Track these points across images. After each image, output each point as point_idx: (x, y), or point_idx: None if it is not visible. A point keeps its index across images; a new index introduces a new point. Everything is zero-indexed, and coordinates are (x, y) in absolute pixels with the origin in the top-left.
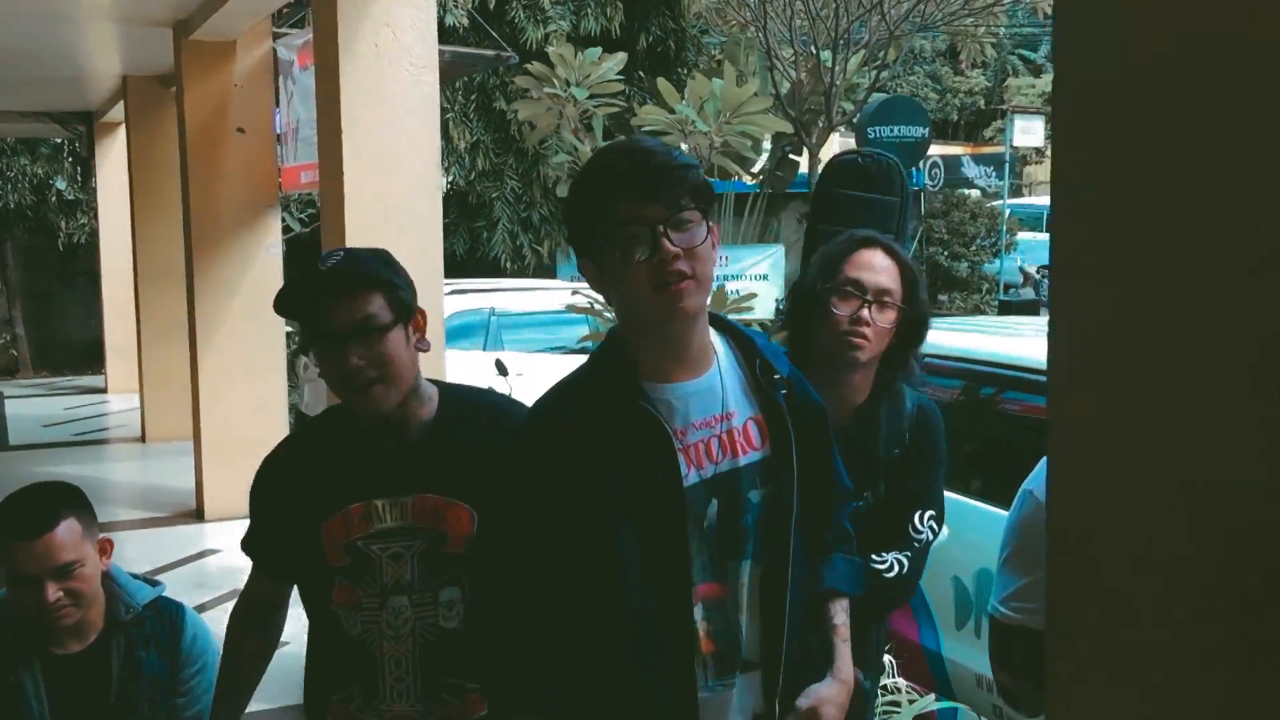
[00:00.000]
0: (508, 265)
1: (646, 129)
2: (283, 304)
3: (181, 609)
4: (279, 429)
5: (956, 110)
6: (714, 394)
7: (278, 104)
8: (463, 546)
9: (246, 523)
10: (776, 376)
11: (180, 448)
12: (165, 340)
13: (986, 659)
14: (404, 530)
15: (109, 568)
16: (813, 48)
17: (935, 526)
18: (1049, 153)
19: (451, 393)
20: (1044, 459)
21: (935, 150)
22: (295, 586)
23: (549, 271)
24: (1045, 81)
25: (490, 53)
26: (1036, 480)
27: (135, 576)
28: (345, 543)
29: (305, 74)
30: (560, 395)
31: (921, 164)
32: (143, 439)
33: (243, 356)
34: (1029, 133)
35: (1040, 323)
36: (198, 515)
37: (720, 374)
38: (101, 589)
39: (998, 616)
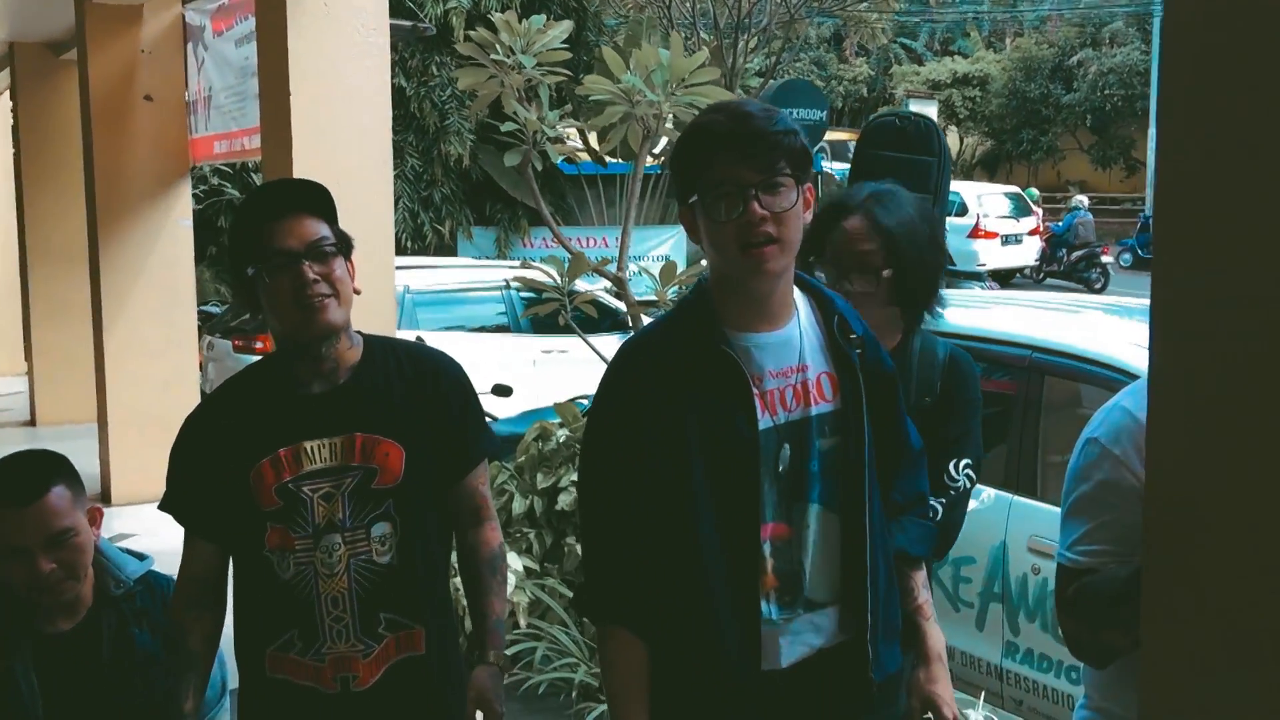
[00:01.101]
0: (409, 244)
1: (593, 99)
2: (242, 225)
3: (173, 583)
4: (190, 407)
5: (840, 97)
6: (791, 346)
7: (186, 71)
8: (393, 481)
9: (157, 506)
10: (852, 335)
11: (74, 431)
12: (57, 320)
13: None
14: (334, 470)
15: (99, 539)
16: (714, 30)
17: (972, 475)
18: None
19: (376, 340)
20: (1104, 407)
21: (825, 135)
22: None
23: (450, 251)
24: (929, 69)
25: (407, 23)
26: (1098, 429)
27: (123, 550)
28: (276, 486)
29: (220, 40)
30: (648, 336)
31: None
32: (32, 423)
33: (151, 333)
34: None
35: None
36: (103, 499)
37: (799, 328)
38: (91, 562)
39: (1065, 563)
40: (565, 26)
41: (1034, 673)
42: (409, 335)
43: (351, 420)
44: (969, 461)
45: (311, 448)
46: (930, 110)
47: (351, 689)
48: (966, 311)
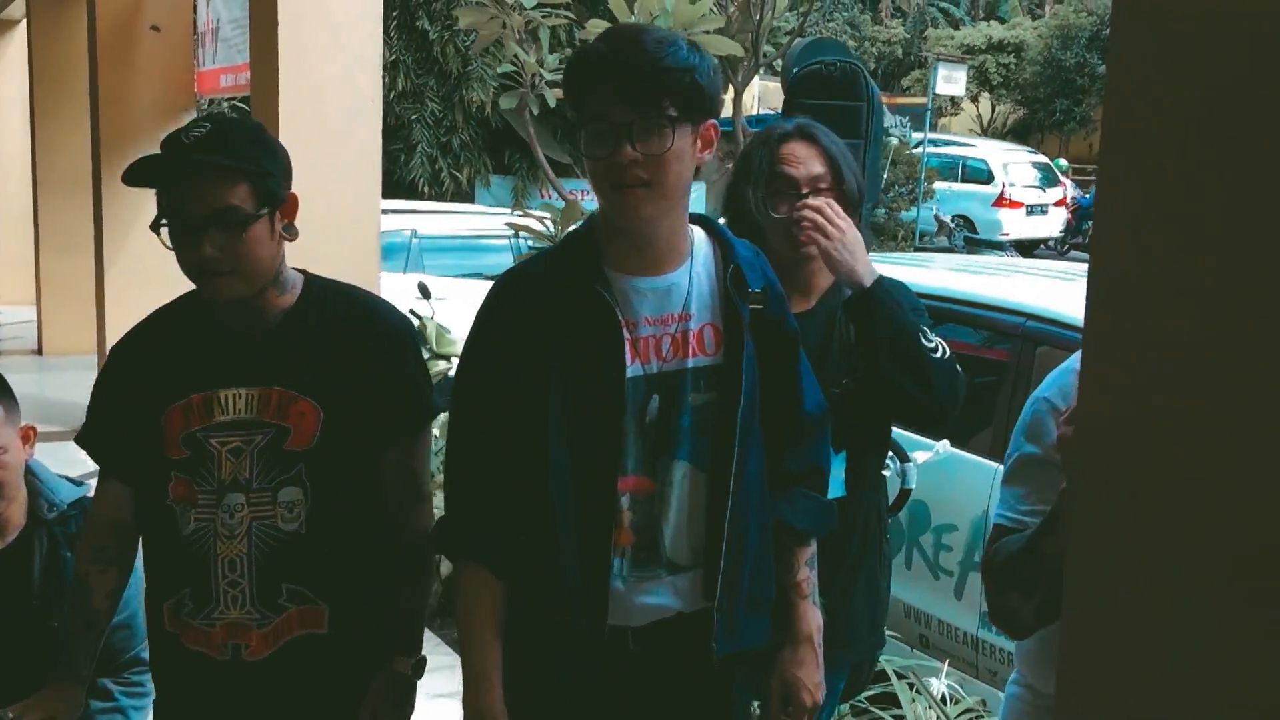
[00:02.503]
0: (426, 189)
1: None
2: (134, 176)
3: None
4: None
5: (874, 59)
6: (676, 293)
7: (195, 2)
8: (307, 444)
9: (74, 439)
10: (748, 289)
11: (80, 361)
12: (66, 251)
13: (915, 590)
14: (246, 423)
15: (31, 459)
16: None
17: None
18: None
19: (318, 285)
20: (1056, 369)
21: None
22: None
23: (467, 198)
24: (964, 34)
25: None
26: (1048, 389)
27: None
28: (184, 434)
29: None
30: (527, 268)
31: None
32: (39, 352)
33: (153, 267)
34: (952, 81)
35: (964, 259)
36: None
37: (690, 276)
38: (23, 482)
39: (997, 521)
40: None
41: (1009, 644)
42: (414, 279)
43: (271, 372)
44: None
45: (225, 397)
46: (959, 75)
47: (242, 658)
48: (958, 276)
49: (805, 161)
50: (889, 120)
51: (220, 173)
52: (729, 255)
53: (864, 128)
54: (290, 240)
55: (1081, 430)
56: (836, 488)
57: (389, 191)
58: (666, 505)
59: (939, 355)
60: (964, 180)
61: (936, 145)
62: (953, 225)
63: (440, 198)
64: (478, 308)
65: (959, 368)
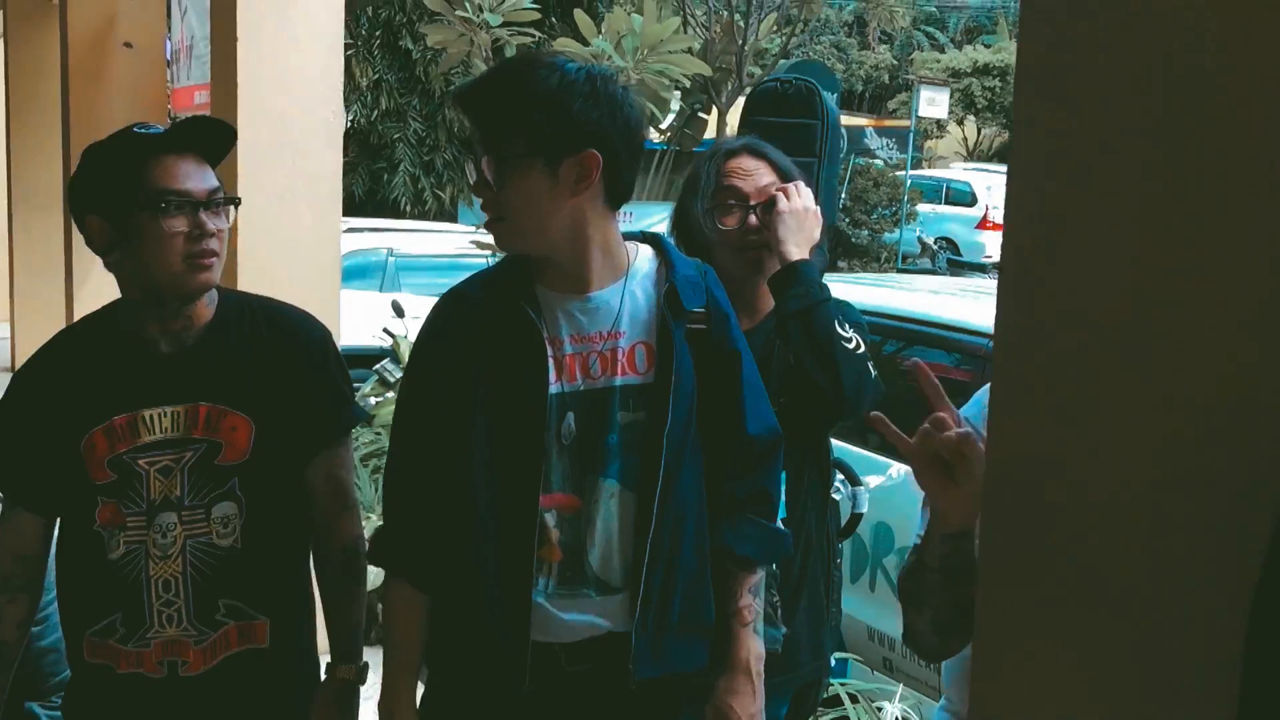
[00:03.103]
0: (408, 208)
1: None
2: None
3: None
4: None
5: (860, 82)
6: (606, 312)
7: (169, 19)
8: (240, 458)
9: None
10: (684, 309)
11: None
12: (40, 269)
13: (879, 613)
14: (174, 442)
15: None
16: (726, 7)
17: (860, 336)
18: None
19: (233, 298)
20: (980, 390)
21: (841, 119)
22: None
23: (450, 217)
24: (949, 57)
25: None
26: (970, 409)
27: None
28: (110, 458)
29: None
30: (467, 285)
31: None
32: (12, 369)
33: None
34: (934, 104)
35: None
36: None
37: (624, 294)
38: None
39: (917, 543)
40: None
41: None
42: (389, 298)
43: (197, 388)
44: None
45: (150, 417)
46: (942, 97)
47: (179, 674)
48: (919, 297)
49: (753, 174)
50: (874, 143)
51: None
52: (669, 274)
53: (818, 146)
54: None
55: (994, 440)
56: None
57: (372, 210)
58: (592, 524)
59: (851, 346)
60: (947, 202)
61: (916, 169)
62: (936, 247)
63: (423, 217)
64: (421, 326)
65: (873, 370)
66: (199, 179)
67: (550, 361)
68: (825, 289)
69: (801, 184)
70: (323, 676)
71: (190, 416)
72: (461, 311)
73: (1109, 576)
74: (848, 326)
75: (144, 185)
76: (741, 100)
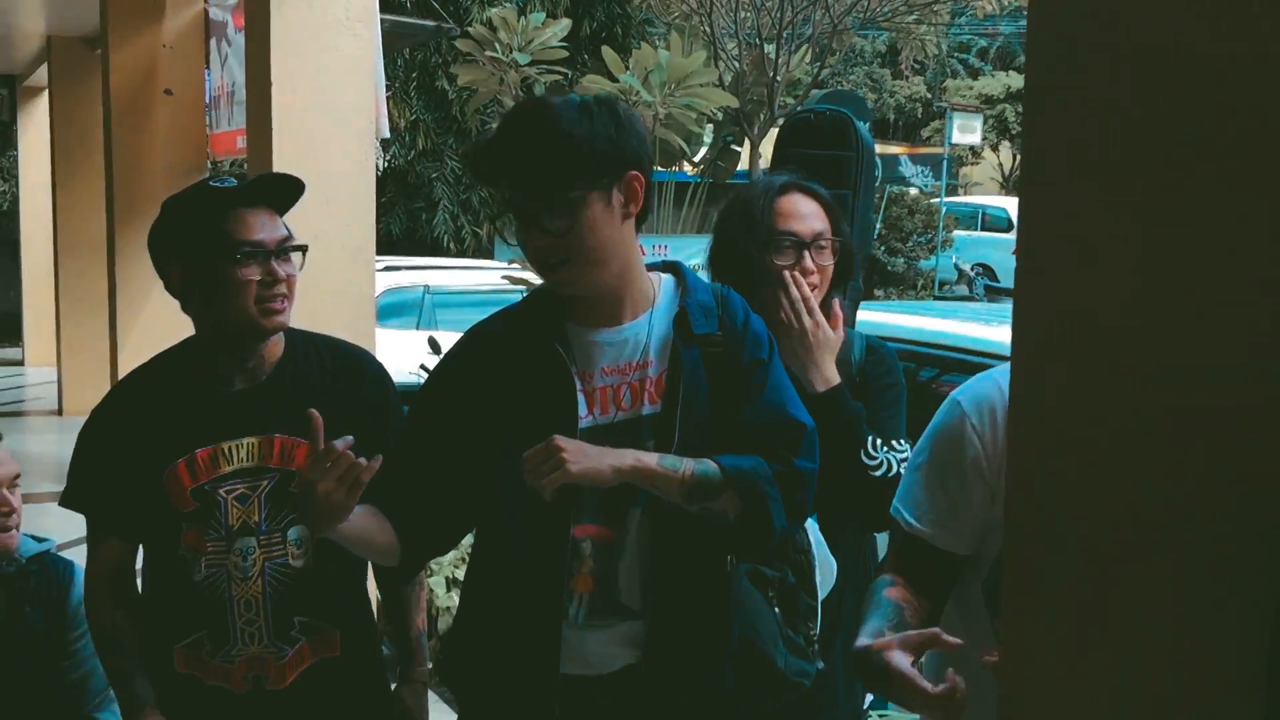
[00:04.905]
0: (449, 246)
1: None
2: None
3: (71, 567)
4: None
5: (893, 111)
6: (634, 343)
7: (208, 66)
8: None
9: (58, 502)
10: (698, 333)
11: None
12: (86, 312)
13: None
14: (251, 471)
15: None
16: (756, 39)
17: (896, 455)
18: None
19: (298, 334)
20: (977, 375)
21: (875, 147)
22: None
23: (487, 254)
24: (983, 83)
25: (431, 23)
26: (964, 392)
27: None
28: (194, 488)
29: (241, 34)
30: (491, 323)
31: None
32: (59, 412)
33: (168, 328)
34: (967, 130)
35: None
36: None
37: (650, 325)
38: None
39: (903, 523)
40: (563, 25)
41: None
42: (425, 335)
43: (271, 421)
44: (894, 444)
45: (229, 449)
46: (975, 123)
47: (265, 688)
48: (956, 321)
49: (807, 217)
50: (909, 170)
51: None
52: (684, 299)
53: (853, 178)
54: None
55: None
56: None
57: (411, 248)
58: (624, 553)
59: (880, 472)
60: (984, 228)
61: (951, 195)
62: (973, 274)
63: (462, 254)
64: (437, 364)
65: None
66: (270, 229)
67: (581, 395)
68: (847, 419)
69: (809, 296)
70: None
71: (266, 447)
72: (480, 347)
73: (1132, 590)
74: (877, 447)
75: (221, 236)
76: (774, 131)
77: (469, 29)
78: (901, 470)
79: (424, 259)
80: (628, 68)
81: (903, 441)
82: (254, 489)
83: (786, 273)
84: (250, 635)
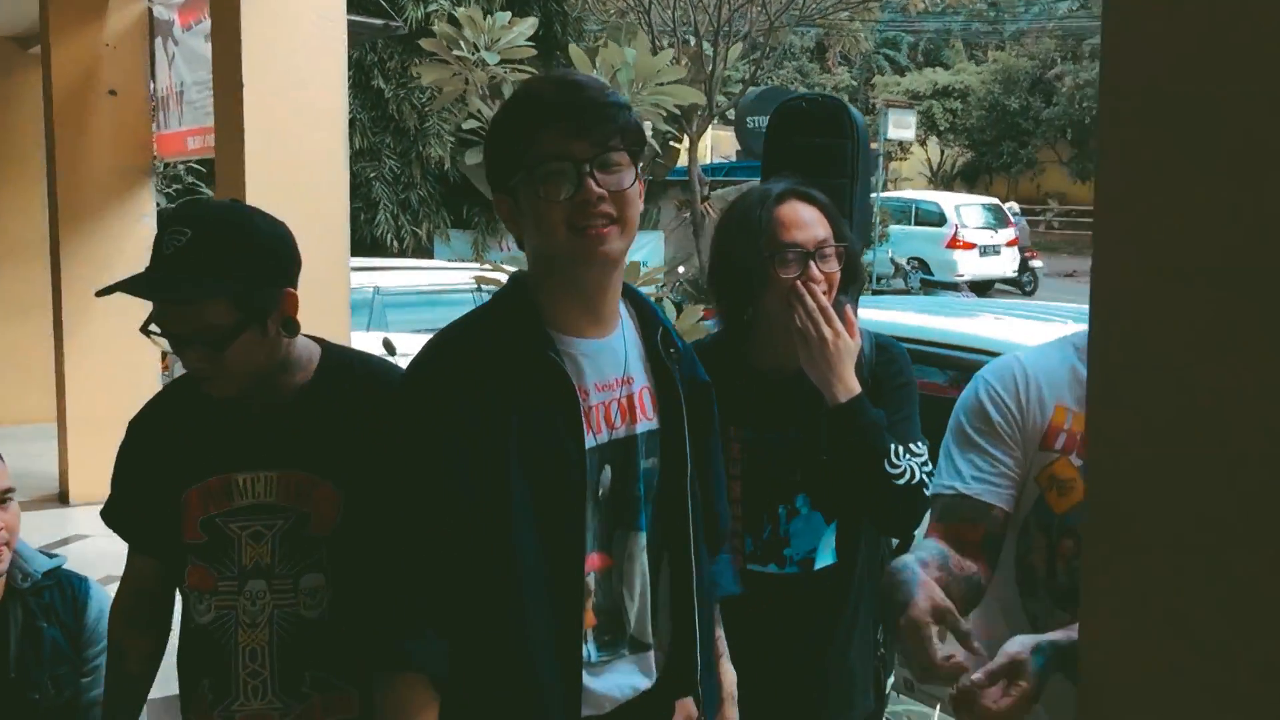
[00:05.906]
0: (393, 244)
1: None
2: (131, 289)
3: (85, 583)
4: None
5: None
6: (617, 356)
7: (153, 66)
8: (327, 530)
9: (99, 513)
10: (672, 350)
11: (36, 431)
12: (19, 318)
13: None
14: (266, 508)
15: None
16: (692, 37)
17: (919, 462)
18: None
19: (334, 356)
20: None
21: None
22: None
23: (427, 253)
24: (910, 80)
25: (378, 21)
26: (988, 369)
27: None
28: (202, 519)
29: (189, 33)
30: (460, 334)
31: None
32: None
33: (115, 331)
34: (902, 126)
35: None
36: (62, 499)
37: (624, 337)
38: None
39: (943, 490)
40: (530, 23)
41: None
42: (378, 336)
43: (291, 455)
44: (913, 448)
45: (243, 481)
46: (909, 119)
47: None
48: (928, 316)
49: (808, 225)
50: None
51: (192, 296)
52: (650, 315)
53: (849, 166)
54: (292, 336)
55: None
56: (828, 555)
57: (354, 249)
58: (629, 581)
59: (904, 480)
60: (917, 223)
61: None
62: (908, 267)
63: (401, 254)
64: (405, 381)
65: (927, 487)
66: (179, 321)
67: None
68: (869, 428)
69: (825, 304)
70: None
71: (283, 484)
72: (465, 364)
73: (1212, 587)
74: (899, 455)
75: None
76: (710, 129)
77: (432, 27)
78: (924, 476)
79: (375, 259)
80: (594, 65)
81: (921, 444)
82: (269, 527)
83: (798, 284)
84: (254, 689)
